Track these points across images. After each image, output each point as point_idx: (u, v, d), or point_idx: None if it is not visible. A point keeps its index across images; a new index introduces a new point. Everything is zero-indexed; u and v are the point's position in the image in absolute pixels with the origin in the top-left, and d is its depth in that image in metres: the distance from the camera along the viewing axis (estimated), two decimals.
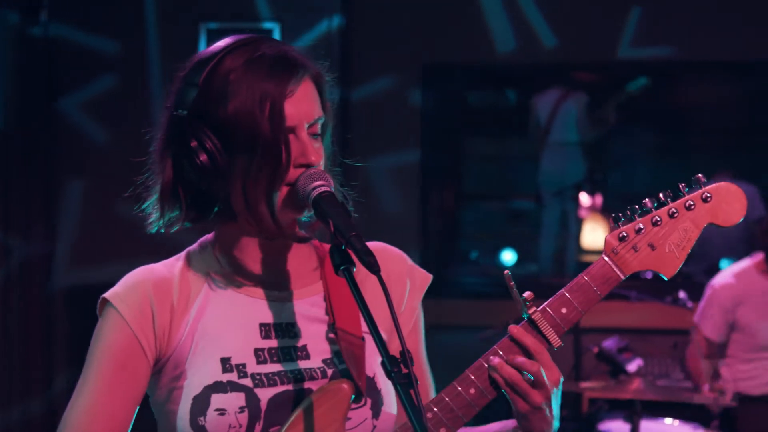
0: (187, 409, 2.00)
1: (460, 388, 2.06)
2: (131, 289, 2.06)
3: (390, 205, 7.40)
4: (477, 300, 7.62)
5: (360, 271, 1.89)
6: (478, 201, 10.34)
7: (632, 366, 5.58)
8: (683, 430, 5.25)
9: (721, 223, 2.14)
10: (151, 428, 2.15)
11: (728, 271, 5.63)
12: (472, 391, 2.06)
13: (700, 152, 9.37)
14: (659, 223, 2.12)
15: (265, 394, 2.01)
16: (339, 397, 2.01)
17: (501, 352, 2.06)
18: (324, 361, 2.08)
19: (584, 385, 5.12)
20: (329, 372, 2.07)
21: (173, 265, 2.13)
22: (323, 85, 2.09)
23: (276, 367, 2.04)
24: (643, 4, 7.40)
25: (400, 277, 2.23)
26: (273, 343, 2.07)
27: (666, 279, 2.13)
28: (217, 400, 1.99)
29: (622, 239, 2.11)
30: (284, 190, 2.00)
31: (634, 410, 4.72)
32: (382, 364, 1.82)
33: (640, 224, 2.12)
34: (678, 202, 2.13)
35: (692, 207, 2.13)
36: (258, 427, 2.00)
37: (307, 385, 2.04)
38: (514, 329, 2.06)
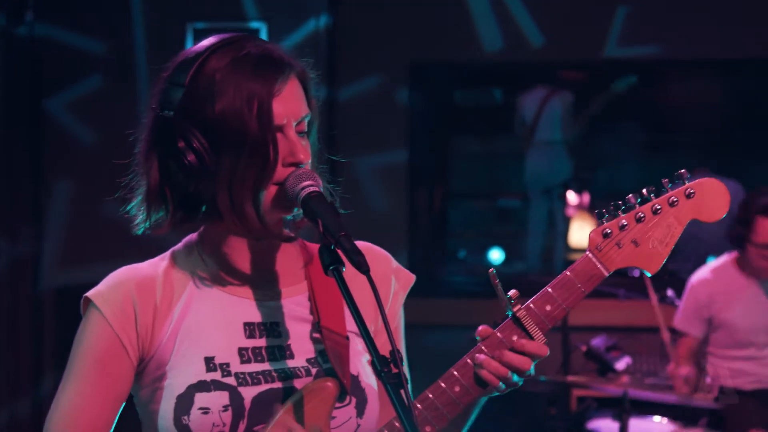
0: (170, 408, 1.99)
1: (444, 386, 2.06)
2: (114, 288, 2.05)
3: (377, 205, 7.40)
4: (465, 299, 7.62)
5: (347, 271, 1.89)
6: (465, 200, 10.36)
7: (620, 364, 5.59)
8: (671, 428, 5.26)
9: (704, 218, 2.15)
10: (135, 429, 2.15)
11: (707, 267, 5.64)
12: (457, 388, 2.06)
13: (687, 150, 9.39)
14: (643, 219, 2.12)
15: (249, 393, 2.01)
16: (324, 396, 2.02)
17: (485, 349, 2.07)
18: (308, 360, 2.08)
19: (572, 378, 5.12)
20: (313, 371, 2.07)
21: (157, 264, 2.12)
22: (308, 83, 2.09)
23: (260, 366, 2.04)
24: (629, 3, 7.41)
25: (386, 277, 2.24)
26: (257, 342, 2.07)
27: (650, 275, 2.14)
28: (200, 398, 1.98)
29: (606, 236, 2.12)
30: (273, 189, 2.00)
31: (622, 408, 4.73)
32: (372, 363, 1.83)
33: (624, 221, 2.12)
34: (661, 198, 2.13)
35: (676, 203, 2.13)
36: (242, 426, 1.99)
37: (290, 384, 2.04)
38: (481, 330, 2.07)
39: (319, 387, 2.02)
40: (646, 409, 5.28)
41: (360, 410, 2.08)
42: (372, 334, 1.96)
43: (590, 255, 2.12)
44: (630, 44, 7.43)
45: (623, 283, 5.96)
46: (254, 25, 7.19)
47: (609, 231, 2.12)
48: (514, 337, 2.07)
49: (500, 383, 2.05)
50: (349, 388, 2.05)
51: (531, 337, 2.07)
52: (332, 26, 7.34)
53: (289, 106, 2.01)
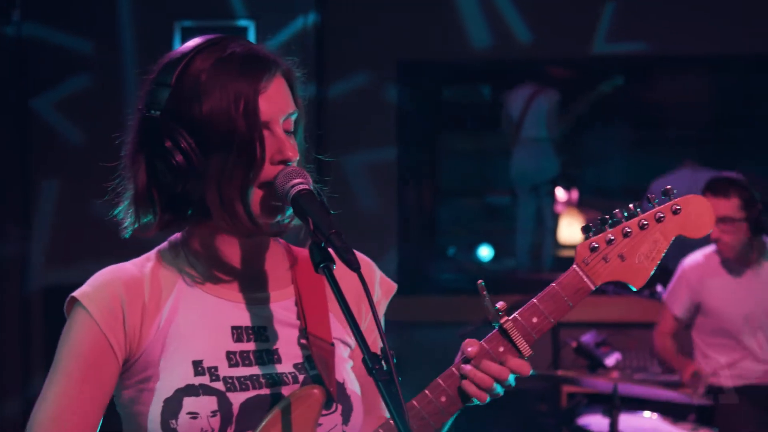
0: (158, 412, 1.98)
1: (431, 396, 2.07)
2: (101, 288, 2.04)
3: (367, 203, 7.40)
4: (455, 296, 7.63)
5: (335, 271, 1.89)
6: (454, 197, 10.36)
7: (610, 360, 5.60)
8: (661, 423, 5.27)
9: (689, 234, 2.17)
10: (116, 429, 2.14)
11: (698, 252, 5.66)
12: (443, 399, 2.07)
13: (675, 147, 9.40)
14: (630, 234, 2.14)
15: (237, 399, 2.00)
16: (310, 403, 2.02)
17: (471, 360, 2.08)
18: (295, 366, 2.08)
19: (561, 373, 5.13)
20: (300, 377, 2.07)
21: (143, 264, 2.11)
22: (294, 81, 2.09)
23: (248, 371, 2.04)
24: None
25: (370, 284, 2.23)
26: (245, 346, 2.06)
27: (635, 290, 2.15)
28: (189, 403, 1.98)
29: (593, 250, 2.13)
30: (261, 190, 2.00)
31: (612, 404, 4.73)
32: (364, 361, 1.82)
33: (611, 235, 2.13)
34: (648, 213, 2.15)
35: (662, 219, 2.15)
36: (230, 431, 1.99)
37: (278, 390, 2.04)
38: (466, 367, 2.08)
39: (306, 394, 2.02)
40: (636, 404, 5.29)
41: (346, 417, 2.08)
42: (353, 336, 1.96)
43: (577, 268, 2.13)
44: (618, 41, 7.44)
45: None
46: (242, 23, 7.18)
47: (596, 245, 2.13)
48: (501, 349, 2.09)
49: (484, 393, 2.06)
50: (336, 396, 2.05)
51: (517, 348, 2.09)
52: (320, 24, 7.34)
53: (276, 103, 2.01)
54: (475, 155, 10.56)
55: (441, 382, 2.08)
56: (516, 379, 2.09)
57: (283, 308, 2.12)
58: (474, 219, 10.63)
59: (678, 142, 9.44)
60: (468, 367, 2.06)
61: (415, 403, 2.06)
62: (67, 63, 7.22)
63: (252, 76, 1.98)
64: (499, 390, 2.07)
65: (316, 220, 1.90)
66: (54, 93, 7.22)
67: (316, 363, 2.05)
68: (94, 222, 6.37)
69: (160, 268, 2.10)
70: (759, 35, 7.28)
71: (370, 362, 1.82)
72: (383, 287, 2.27)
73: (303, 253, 2.19)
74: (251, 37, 6.99)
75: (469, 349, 2.08)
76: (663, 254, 2.15)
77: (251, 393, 2.02)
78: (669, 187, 2.16)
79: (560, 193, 9.33)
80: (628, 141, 9.80)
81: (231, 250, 2.09)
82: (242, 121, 1.96)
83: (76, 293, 2.04)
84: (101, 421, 2.06)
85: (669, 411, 5.36)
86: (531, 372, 2.09)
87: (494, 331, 2.10)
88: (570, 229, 9.45)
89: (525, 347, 2.09)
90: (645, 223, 2.14)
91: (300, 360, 2.08)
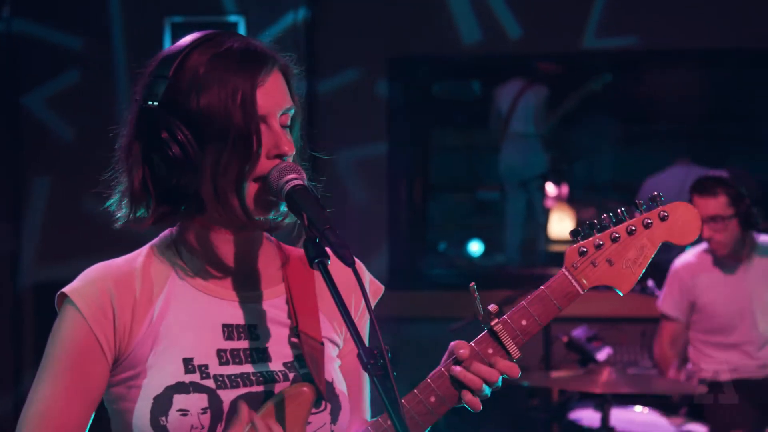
0: (147, 409, 1.98)
1: (420, 396, 2.09)
2: (91, 284, 2.04)
3: (357, 198, 7.40)
4: (445, 291, 7.63)
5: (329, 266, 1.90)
6: (445, 192, 10.37)
7: (602, 355, 5.61)
8: (653, 417, 5.28)
9: (676, 241, 2.20)
10: (104, 427, 2.14)
11: (690, 252, 5.67)
12: (432, 399, 2.09)
13: (664, 142, 9.42)
14: (618, 239, 2.16)
15: (227, 396, 2.01)
16: (300, 401, 2.02)
17: (462, 361, 2.09)
18: (285, 364, 2.08)
19: (555, 375, 5.13)
20: (291, 375, 2.07)
21: (134, 259, 2.11)
22: (291, 76, 2.10)
23: (238, 369, 2.04)
24: None
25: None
26: (235, 344, 2.07)
27: (621, 294, 2.17)
28: (179, 400, 1.98)
29: (582, 254, 2.16)
30: (256, 184, 2.00)
31: (604, 399, 4.74)
32: (359, 356, 1.83)
33: (600, 240, 2.16)
34: (636, 219, 2.18)
35: (650, 225, 2.17)
36: (219, 429, 1.99)
37: (268, 387, 2.04)
38: (455, 369, 2.09)
39: (297, 392, 2.02)
40: (628, 399, 5.30)
41: (334, 417, 2.09)
42: (341, 332, 1.96)
43: (566, 272, 2.16)
44: (608, 35, 7.44)
45: None
46: (232, 18, 7.17)
47: (585, 249, 2.16)
48: (490, 350, 2.11)
49: (473, 395, 2.08)
50: (325, 394, 2.06)
51: (506, 350, 2.10)
52: (310, 20, 7.33)
53: (273, 97, 2.02)
54: (465, 151, 10.58)
55: (430, 382, 2.09)
56: (494, 389, 2.11)
57: (274, 306, 2.12)
58: (464, 214, 10.65)
59: (668, 137, 9.45)
60: (458, 369, 2.08)
61: (404, 402, 2.07)
62: (57, 59, 7.20)
63: (250, 70, 1.99)
64: (487, 391, 2.09)
65: (310, 216, 1.90)
66: (44, 89, 7.20)
67: (307, 361, 2.06)
68: (85, 218, 6.39)
69: (153, 263, 2.10)
70: (750, 29, 7.29)
71: (365, 357, 1.82)
72: (371, 288, 2.28)
73: (294, 251, 2.20)
74: (241, 32, 6.97)
75: (461, 351, 2.08)
76: (650, 260, 2.18)
77: (242, 390, 2.02)
78: (656, 193, 2.19)
79: (550, 188, 9.34)
80: (618, 136, 9.82)
81: (224, 246, 2.09)
82: (239, 114, 1.96)
83: (65, 289, 2.04)
84: (92, 417, 2.05)
85: (660, 405, 5.38)
86: (519, 374, 2.11)
87: (484, 332, 2.12)
88: (560, 225, 9.47)
89: (514, 349, 2.11)
90: (633, 228, 2.16)
91: (290, 358, 2.09)
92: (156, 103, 1.99)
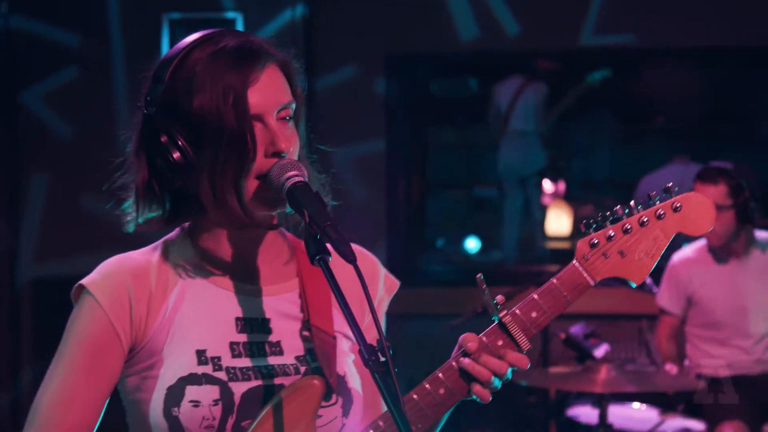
0: (160, 399, 2.00)
1: (429, 388, 2.08)
2: (109, 276, 2.05)
3: (355, 195, 7.40)
4: (443, 288, 7.64)
5: (335, 266, 1.89)
6: (443, 190, 10.39)
7: (599, 351, 5.61)
8: (650, 413, 5.29)
9: (689, 232, 2.18)
10: (113, 419, 2.14)
11: (688, 247, 5.69)
12: (442, 391, 2.08)
13: (662, 140, 9.43)
14: (630, 230, 2.14)
15: (239, 389, 2.02)
16: (309, 394, 2.03)
17: (470, 353, 2.09)
18: (297, 357, 2.09)
19: (554, 371, 5.14)
20: (302, 369, 2.08)
21: (150, 253, 2.12)
22: (291, 71, 2.10)
23: (250, 362, 2.06)
24: None
25: (373, 279, 2.26)
26: (248, 337, 2.08)
27: (634, 286, 2.16)
28: (191, 391, 1.99)
29: (593, 246, 2.14)
30: (256, 182, 2.00)
31: (602, 395, 4.75)
32: (360, 352, 1.83)
33: (611, 231, 2.14)
34: (649, 210, 2.16)
35: (662, 216, 2.15)
36: (231, 421, 2.01)
37: (280, 381, 2.05)
38: (464, 361, 2.08)
39: (306, 385, 2.03)
40: (625, 395, 5.31)
41: (346, 410, 2.10)
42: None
43: (577, 264, 2.14)
44: (606, 33, 7.44)
45: None
46: (230, 15, 7.17)
47: (596, 241, 2.14)
48: (499, 342, 2.10)
49: (482, 387, 2.07)
50: (336, 388, 2.06)
51: (516, 342, 2.10)
52: (308, 16, 7.33)
53: (267, 94, 2.01)
54: (463, 148, 10.59)
55: (440, 374, 2.09)
56: (504, 381, 2.10)
57: (286, 300, 2.14)
58: (462, 211, 10.67)
59: (666, 135, 9.47)
60: (467, 361, 2.07)
61: (414, 395, 2.07)
62: (56, 56, 7.19)
63: (241, 68, 1.99)
64: (497, 383, 2.09)
65: (311, 212, 1.90)
66: (42, 86, 7.20)
67: (318, 355, 2.07)
68: (83, 215, 6.40)
69: (167, 257, 2.12)
70: (748, 28, 7.30)
71: (366, 354, 1.82)
72: (387, 284, 2.29)
73: None
74: (239, 29, 6.97)
75: (469, 344, 2.08)
76: (663, 251, 2.16)
77: (253, 383, 2.03)
78: (671, 184, 2.17)
79: (547, 185, 9.35)
80: (615, 134, 9.83)
81: (232, 242, 2.11)
82: (231, 115, 1.96)
83: (84, 281, 2.06)
84: (105, 408, 2.07)
85: (658, 402, 5.39)
86: (528, 366, 2.11)
87: (493, 325, 2.11)
88: (557, 222, 9.48)
89: (524, 341, 2.10)
90: (645, 220, 2.14)
91: (302, 352, 2.10)
92: (155, 109, 2.01)
